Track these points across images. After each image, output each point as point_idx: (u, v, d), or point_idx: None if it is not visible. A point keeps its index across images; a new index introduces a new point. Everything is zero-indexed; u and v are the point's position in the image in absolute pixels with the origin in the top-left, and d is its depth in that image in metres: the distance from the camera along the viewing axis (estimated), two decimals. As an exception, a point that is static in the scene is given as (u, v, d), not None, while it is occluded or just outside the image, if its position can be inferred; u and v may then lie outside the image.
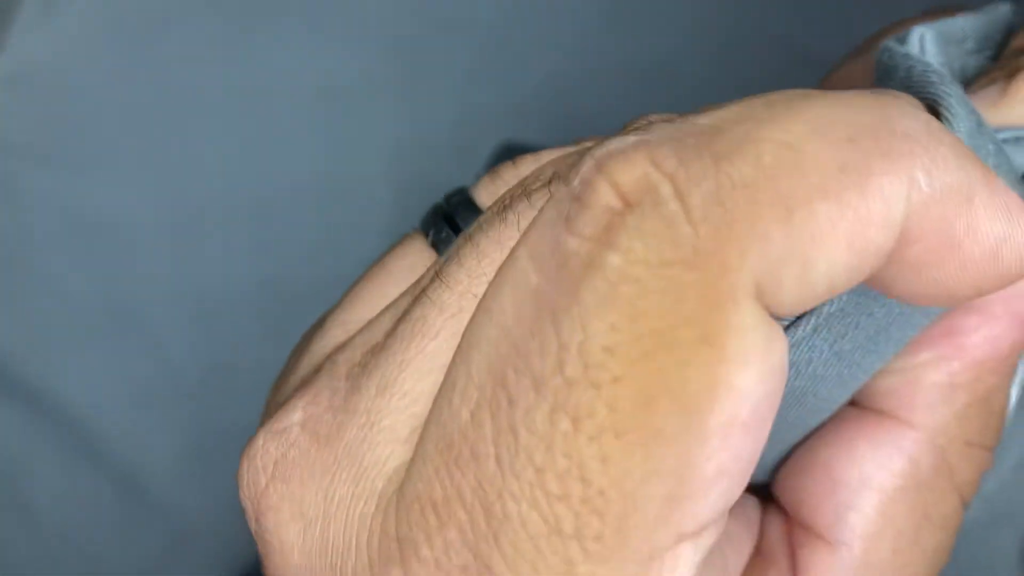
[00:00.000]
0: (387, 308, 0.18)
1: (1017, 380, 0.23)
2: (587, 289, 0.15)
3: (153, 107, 0.43)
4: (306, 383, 0.18)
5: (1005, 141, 0.20)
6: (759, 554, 0.19)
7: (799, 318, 0.17)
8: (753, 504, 0.19)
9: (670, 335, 0.14)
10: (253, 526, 0.18)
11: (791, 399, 0.18)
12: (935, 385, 0.18)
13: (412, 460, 0.16)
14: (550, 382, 0.15)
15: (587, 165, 0.15)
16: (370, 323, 0.18)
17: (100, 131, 0.43)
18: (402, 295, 0.18)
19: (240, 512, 0.42)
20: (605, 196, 0.15)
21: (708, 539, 0.15)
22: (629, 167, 0.15)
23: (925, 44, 0.22)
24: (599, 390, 0.14)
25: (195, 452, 0.43)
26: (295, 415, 0.18)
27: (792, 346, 0.17)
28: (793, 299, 0.15)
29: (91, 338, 0.42)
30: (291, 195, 0.44)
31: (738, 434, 0.15)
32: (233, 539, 0.43)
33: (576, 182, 0.15)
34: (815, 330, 0.17)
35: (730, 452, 0.15)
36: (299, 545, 0.17)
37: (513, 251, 0.16)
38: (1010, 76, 0.20)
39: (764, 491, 0.20)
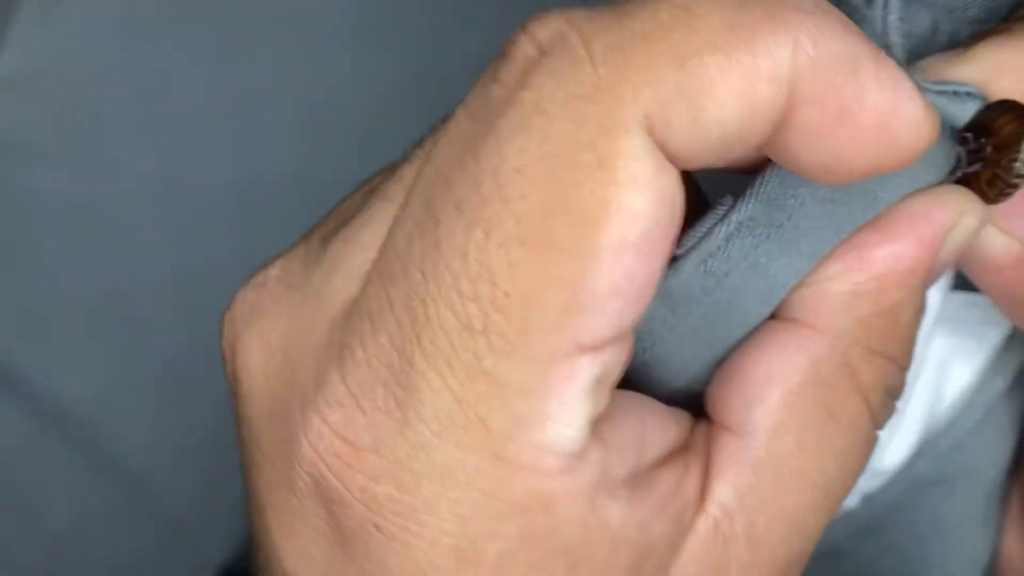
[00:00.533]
0: (363, 192, 0.21)
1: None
2: (504, 121, 0.17)
3: (154, 107, 0.43)
4: (285, 251, 0.21)
5: (943, 93, 0.20)
6: (684, 447, 0.19)
7: (712, 228, 0.19)
8: (684, 413, 0.20)
9: (570, 158, 0.17)
10: (229, 371, 0.20)
11: (716, 313, 0.19)
12: (839, 293, 0.19)
13: (360, 289, 0.19)
14: (469, 200, 0.17)
15: (515, 31, 0.18)
16: (346, 204, 0.21)
17: (101, 131, 0.44)
18: (379, 181, 0.20)
19: (235, 504, 0.41)
20: (524, 48, 0.17)
21: (608, 358, 0.17)
22: (547, 25, 0.17)
23: (889, 1, 0.22)
24: (507, 204, 0.17)
25: (193, 446, 0.43)
26: (272, 271, 0.20)
27: (710, 256, 0.19)
28: (685, 140, 0.17)
29: (88, 333, 0.42)
30: (291, 193, 0.44)
31: (630, 254, 0.17)
32: (229, 531, 0.43)
33: (505, 44, 0.18)
34: (728, 239, 0.19)
35: (622, 272, 0.17)
36: (263, 371, 0.20)
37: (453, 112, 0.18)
38: (977, 40, 0.21)
39: (699, 406, 0.21)
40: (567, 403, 0.17)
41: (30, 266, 0.42)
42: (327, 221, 0.21)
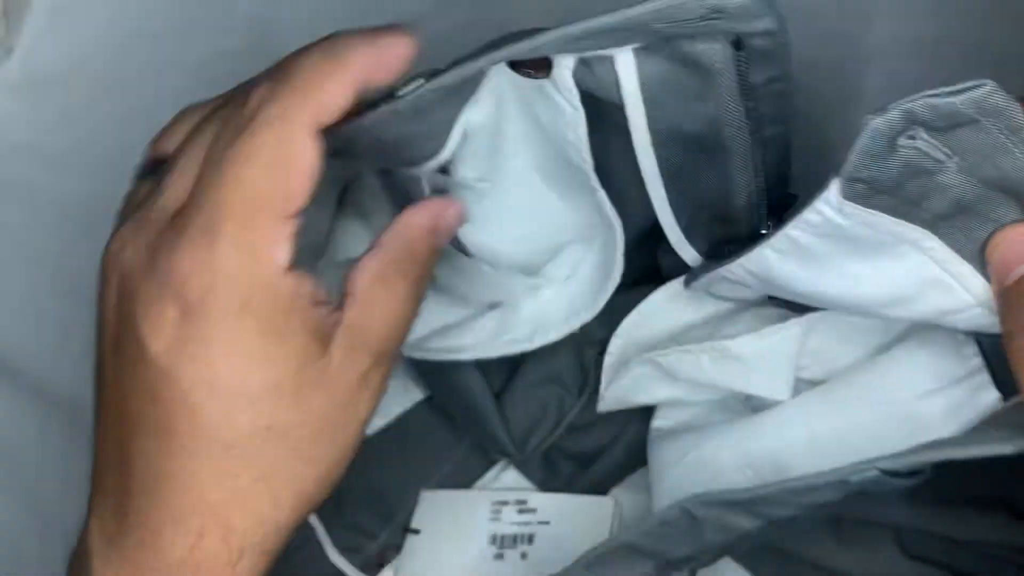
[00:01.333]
0: None
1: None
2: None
3: (158, 110, 0.44)
4: None
5: None
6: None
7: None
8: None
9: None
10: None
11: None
12: (396, 234, 0.37)
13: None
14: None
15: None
16: None
17: (108, 134, 0.45)
18: None
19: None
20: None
21: (297, 222, 0.33)
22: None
23: None
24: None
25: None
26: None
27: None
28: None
29: (91, 331, 0.43)
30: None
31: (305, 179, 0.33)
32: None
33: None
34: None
35: (302, 190, 0.33)
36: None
37: None
38: None
39: None
40: (285, 237, 0.33)
41: (35, 264, 0.43)
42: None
